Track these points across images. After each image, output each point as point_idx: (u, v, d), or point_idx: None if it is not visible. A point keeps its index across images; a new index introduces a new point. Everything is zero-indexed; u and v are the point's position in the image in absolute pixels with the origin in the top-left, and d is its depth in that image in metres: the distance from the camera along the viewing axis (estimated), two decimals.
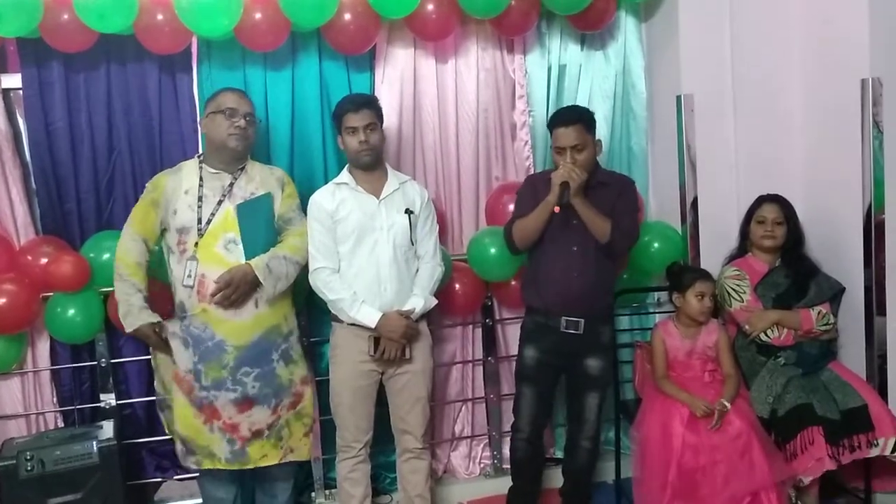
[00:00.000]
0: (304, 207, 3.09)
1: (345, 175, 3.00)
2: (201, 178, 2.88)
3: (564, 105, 3.59)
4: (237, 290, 2.79)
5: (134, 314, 2.82)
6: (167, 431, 3.07)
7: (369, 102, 2.97)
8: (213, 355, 2.83)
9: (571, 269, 2.97)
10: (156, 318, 2.84)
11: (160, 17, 2.96)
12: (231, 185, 2.89)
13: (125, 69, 3.23)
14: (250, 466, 2.93)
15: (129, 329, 2.83)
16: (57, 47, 3.02)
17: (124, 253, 2.86)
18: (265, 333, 2.88)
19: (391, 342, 2.91)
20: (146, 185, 2.94)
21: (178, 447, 2.93)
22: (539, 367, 3.08)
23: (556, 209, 2.84)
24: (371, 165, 2.97)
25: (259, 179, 2.95)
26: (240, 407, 2.87)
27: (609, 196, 2.98)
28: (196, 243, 2.82)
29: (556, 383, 3.15)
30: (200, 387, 2.85)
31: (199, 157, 2.96)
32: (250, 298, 2.83)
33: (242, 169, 2.94)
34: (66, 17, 2.90)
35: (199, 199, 2.86)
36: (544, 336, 3.05)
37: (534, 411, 3.10)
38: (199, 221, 2.83)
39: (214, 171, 2.89)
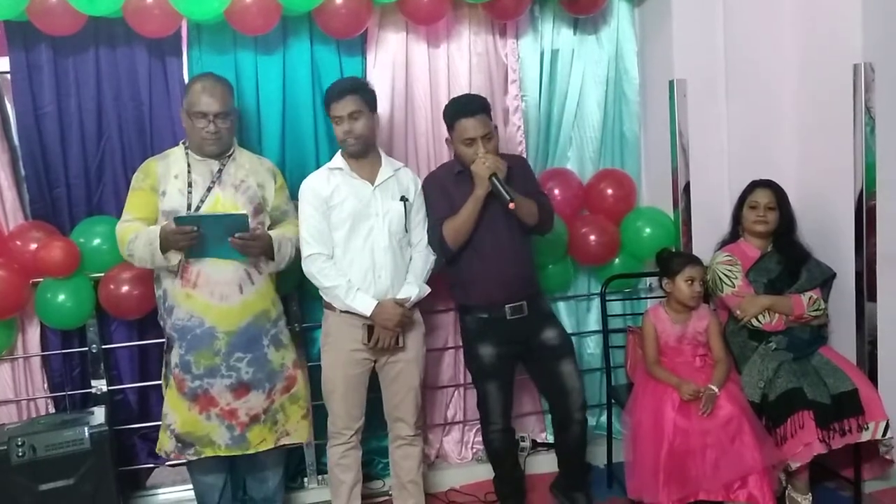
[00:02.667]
0: (294, 193, 3.08)
1: (338, 160, 2.97)
2: (189, 164, 2.87)
3: (557, 90, 3.61)
4: (255, 247, 2.79)
5: (151, 238, 2.73)
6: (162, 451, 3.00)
7: (353, 89, 2.89)
8: (203, 343, 2.82)
9: (507, 256, 2.97)
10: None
11: None
12: (220, 171, 2.88)
13: (114, 53, 3.21)
14: (251, 451, 2.92)
15: (163, 252, 2.73)
16: (45, 30, 2.99)
17: (125, 231, 2.81)
18: (254, 319, 2.87)
19: (385, 331, 2.90)
20: (136, 174, 2.91)
21: (171, 446, 2.88)
22: (499, 362, 3.07)
23: (511, 206, 2.81)
24: (360, 154, 2.94)
25: (249, 167, 2.93)
26: (236, 393, 2.86)
27: (516, 178, 2.99)
28: None
29: (514, 370, 3.15)
30: (193, 377, 2.83)
31: (184, 143, 2.93)
32: (256, 260, 2.84)
33: (230, 156, 2.92)
34: None
35: (189, 184, 2.84)
36: (494, 331, 3.04)
37: (502, 403, 3.10)
38: (189, 207, 2.82)
39: (201, 157, 2.88)
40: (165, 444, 2.91)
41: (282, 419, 2.98)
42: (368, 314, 2.88)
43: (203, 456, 2.89)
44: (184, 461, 2.99)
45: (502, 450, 3.18)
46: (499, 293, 3.00)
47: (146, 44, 3.19)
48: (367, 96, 2.93)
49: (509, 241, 2.98)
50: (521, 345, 3.07)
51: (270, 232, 2.88)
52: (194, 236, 2.72)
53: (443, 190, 3.02)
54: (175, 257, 2.77)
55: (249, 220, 2.81)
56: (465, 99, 3.06)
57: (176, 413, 2.87)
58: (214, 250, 2.79)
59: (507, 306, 3.00)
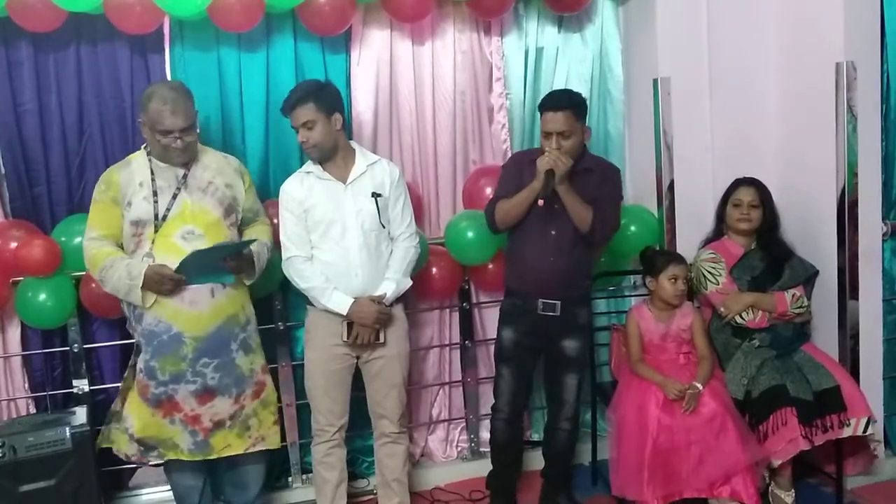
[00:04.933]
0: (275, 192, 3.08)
1: (310, 164, 2.96)
2: (153, 171, 2.80)
3: (542, 88, 3.60)
4: (245, 264, 2.84)
5: (135, 270, 2.71)
6: (101, 444, 2.99)
7: (305, 98, 2.83)
8: (168, 349, 2.78)
9: (549, 253, 2.97)
10: (149, 260, 2.75)
11: None
12: (185, 175, 2.82)
13: (96, 49, 3.17)
14: (213, 457, 2.90)
15: (140, 290, 2.70)
16: (25, 26, 2.95)
17: (97, 251, 2.76)
18: (223, 324, 2.83)
19: (364, 328, 2.90)
20: (97, 185, 2.83)
21: (133, 449, 2.84)
22: (517, 349, 3.09)
23: (541, 202, 2.82)
24: (323, 159, 2.92)
25: (215, 167, 2.89)
26: (200, 398, 2.83)
27: (592, 183, 2.97)
28: (153, 239, 2.77)
29: (534, 365, 3.16)
30: (157, 383, 2.80)
31: (145, 148, 2.85)
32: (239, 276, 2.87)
33: (194, 158, 2.87)
34: None
35: (154, 192, 2.78)
36: (521, 318, 3.05)
37: (512, 392, 3.11)
38: (157, 216, 2.77)
39: (165, 165, 2.81)
40: (124, 447, 2.87)
41: (255, 424, 2.94)
42: (344, 313, 2.88)
43: (167, 458, 2.86)
44: (149, 463, 2.96)
45: (503, 441, 3.18)
46: (534, 285, 3.01)
47: (128, 41, 3.16)
48: (323, 101, 2.85)
49: (558, 239, 2.96)
50: (542, 340, 3.07)
51: (251, 245, 2.87)
52: (181, 285, 2.73)
53: (517, 171, 3.03)
54: (150, 298, 2.75)
55: (222, 220, 2.84)
56: (555, 94, 3.08)
57: (135, 417, 2.84)
58: (202, 277, 2.77)
59: (540, 300, 3.00)
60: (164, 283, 2.72)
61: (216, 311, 2.81)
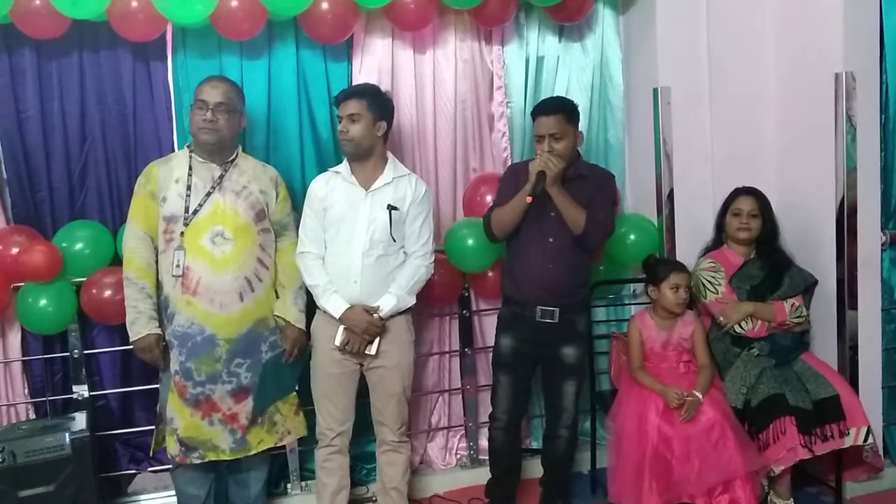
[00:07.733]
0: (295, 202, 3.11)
1: (343, 164, 3.01)
2: (191, 167, 2.87)
3: (542, 97, 3.61)
4: (297, 348, 2.98)
5: (142, 322, 2.81)
6: (156, 447, 3.02)
7: (359, 93, 2.93)
8: (203, 350, 2.82)
9: (546, 260, 2.98)
10: (159, 331, 2.84)
11: (134, 3, 2.90)
12: (221, 176, 2.88)
13: (98, 57, 3.19)
14: (252, 453, 2.94)
15: (134, 337, 2.82)
16: (29, 34, 2.97)
17: (132, 254, 2.85)
18: (253, 326, 2.89)
19: (353, 336, 2.91)
20: (139, 177, 2.92)
21: (176, 450, 2.87)
22: (515, 356, 3.09)
23: (529, 199, 2.84)
24: (353, 156, 2.95)
25: (252, 173, 2.94)
26: (237, 397, 2.88)
27: (587, 188, 2.99)
28: (182, 233, 2.81)
29: (532, 372, 3.16)
30: (194, 383, 2.83)
31: (188, 146, 2.94)
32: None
33: (233, 161, 2.92)
34: (37, 2, 2.85)
35: (188, 187, 2.85)
36: (520, 325, 3.06)
37: (510, 399, 3.11)
38: (186, 210, 2.82)
39: (203, 160, 2.89)
40: (171, 447, 2.91)
41: (280, 420, 3.01)
42: (337, 316, 2.90)
43: (207, 459, 2.89)
44: (167, 468, 2.97)
45: (501, 449, 3.18)
46: (533, 292, 3.01)
47: (130, 48, 3.18)
48: (376, 104, 2.93)
49: (556, 246, 2.97)
50: (540, 348, 3.07)
51: (293, 321, 2.96)
52: (156, 362, 2.87)
53: (514, 178, 3.05)
54: (141, 334, 2.81)
55: (253, 225, 2.88)
56: (548, 99, 3.13)
57: (180, 417, 2.87)
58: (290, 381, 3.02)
59: (538, 307, 3.01)
60: (149, 353, 2.83)
61: (246, 314, 2.86)
